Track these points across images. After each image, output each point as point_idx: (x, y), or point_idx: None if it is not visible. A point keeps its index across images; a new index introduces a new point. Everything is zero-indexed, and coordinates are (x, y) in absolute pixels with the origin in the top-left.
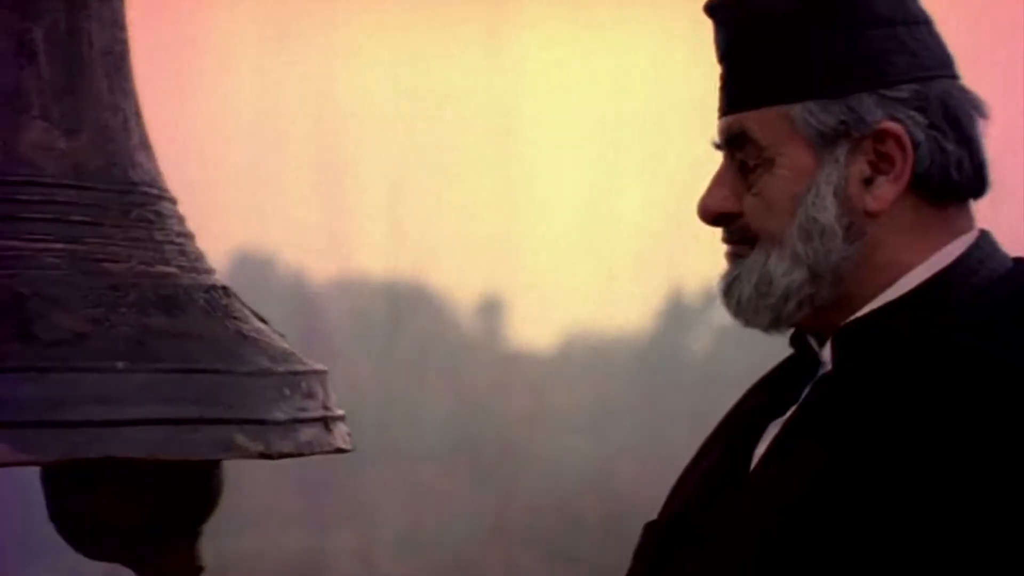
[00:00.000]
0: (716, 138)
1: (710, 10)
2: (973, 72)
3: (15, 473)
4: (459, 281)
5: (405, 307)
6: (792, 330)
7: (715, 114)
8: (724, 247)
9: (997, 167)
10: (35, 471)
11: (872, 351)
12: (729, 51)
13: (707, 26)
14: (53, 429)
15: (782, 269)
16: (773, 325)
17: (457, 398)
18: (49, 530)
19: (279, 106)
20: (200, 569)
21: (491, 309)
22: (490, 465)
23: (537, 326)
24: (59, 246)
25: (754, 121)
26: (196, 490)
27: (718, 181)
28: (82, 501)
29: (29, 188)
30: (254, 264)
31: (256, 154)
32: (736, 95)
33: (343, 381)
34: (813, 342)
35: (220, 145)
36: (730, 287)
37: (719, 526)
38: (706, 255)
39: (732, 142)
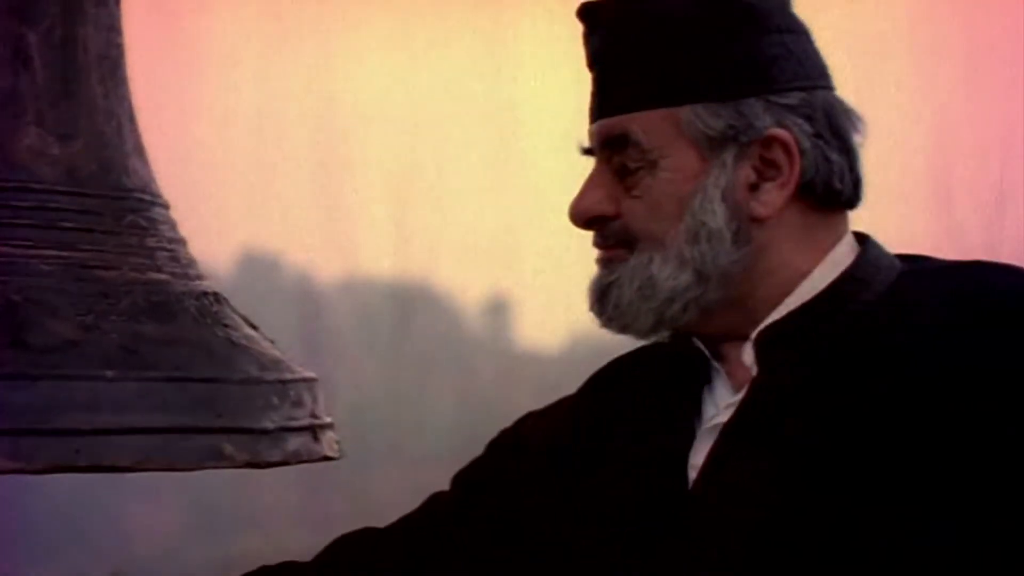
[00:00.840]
0: (585, 143)
1: (586, 13)
2: (973, 72)
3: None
4: (465, 282)
5: (411, 308)
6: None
7: None
8: (595, 252)
9: (1001, 170)
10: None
11: (799, 354)
12: (608, 54)
13: None
14: (43, 437)
15: (667, 272)
16: (653, 329)
17: (464, 398)
18: (55, 530)
19: (280, 107)
20: None
21: (498, 310)
22: None
23: (544, 327)
24: (51, 253)
25: (638, 123)
26: None
27: (593, 183)
28: None
29: (22, 194)
30: (259, 266)
31: (259, 156)
32: (618, 98)
33: (349, 382)
34: (701, 346)
35: (223, 147)
36: (606, 291)
37: (679, 549)
38: None
39: (610, 144)
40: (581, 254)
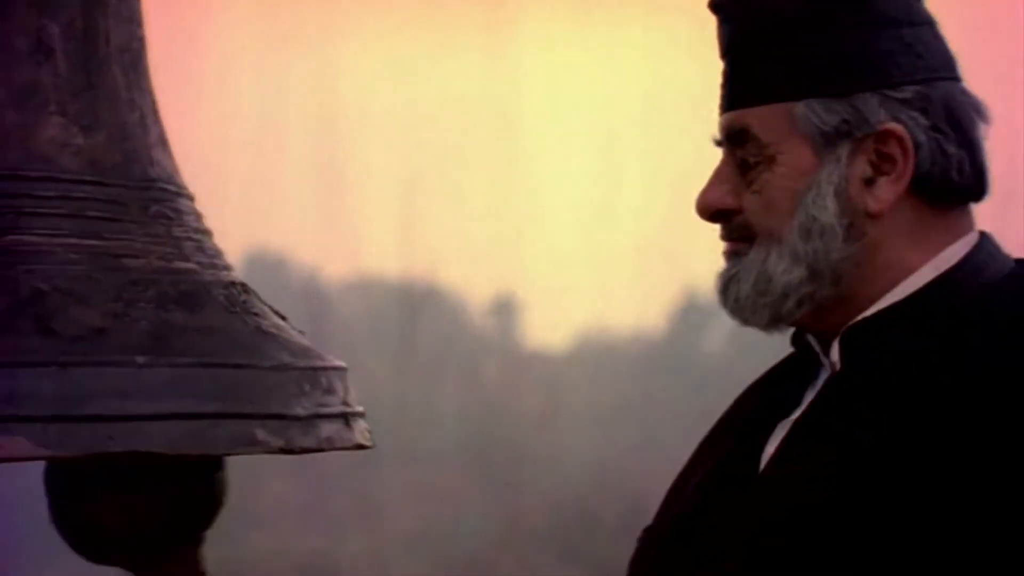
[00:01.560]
0: (717, 135)
1: (715, 6)
2: (973, 72)
3: (29, 475)
4: (472, 281)
5: (419, 308)
6: (791, 330)
7: (715, 112)
8: (722, 244)
9: (1005, 170)
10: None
11: (882, 352)
12: (733, 47)
13: (708, 26)
14: (74, 424)
15: (782, 267)
16: (772, 323)
17: (471, 398)
18: None
19: (283, 107)
20: (203, 575)
21: (505, 309)
22: (503, 465)
23: (551, 326)
24: (77, 242)
25: (756, 118)
26: (198, 495)
27: (718, 177)
28: (84, 505)
29: (47, 184)
30: (268, 265)
31: (264, 156)
32: (738, 92)
33: (357, 381)
34: (814, 342)
35: (228, 147)
36: (727, 285)
37: (727, 529)
38: (718, 255)
39: (733, 139)
40: (586, 254)
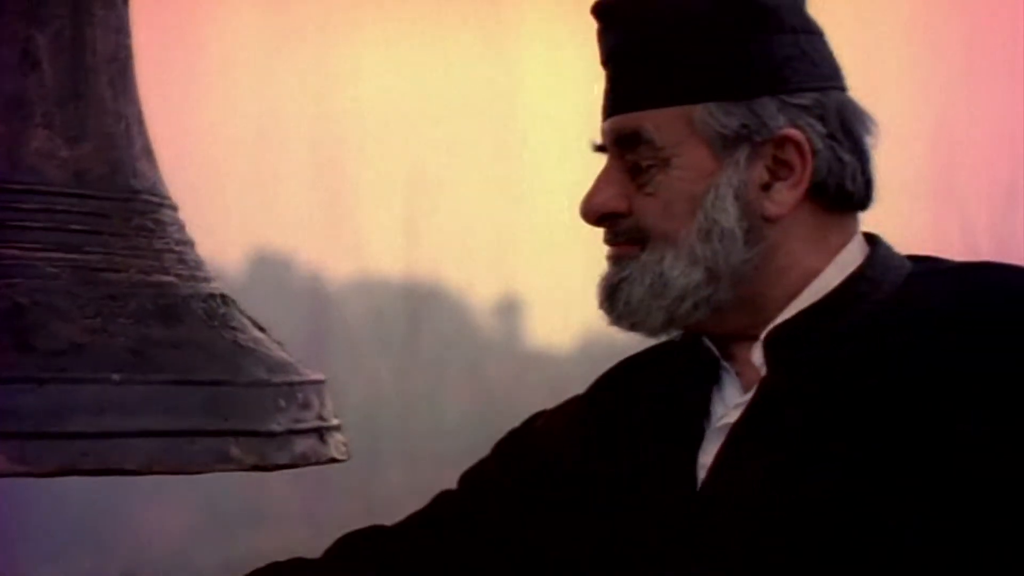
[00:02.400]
0: (597, 140)
1: (601, 10)
2: (974, 70)
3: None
4: (477, 281)
5: (421, 308)
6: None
7: None
8: (606, 249)
9: (1009, 169)
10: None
11: (810, 355)
12: (622, 51)
13: None
14: (50, 440)
15: (679, 269)
16: (664, 327)
17: (476, 398)
18: (64, 530)
19: (286, 108)
20: None
21: (510, 309)
22: None
23: (556, 326)
24: (59, 255)
25: (651, 121)
26: None
27: (605, 180)
28: None
29: (30, 196)
30: (270, 266)
31: (267, 156)
32: (630, 95)
33: (359, 383)
34: (711, 346)
35: (232, 148)
36: (616, 288)
37: (689, 548)
38: None
39: (622, 142)
40: (591, 253)
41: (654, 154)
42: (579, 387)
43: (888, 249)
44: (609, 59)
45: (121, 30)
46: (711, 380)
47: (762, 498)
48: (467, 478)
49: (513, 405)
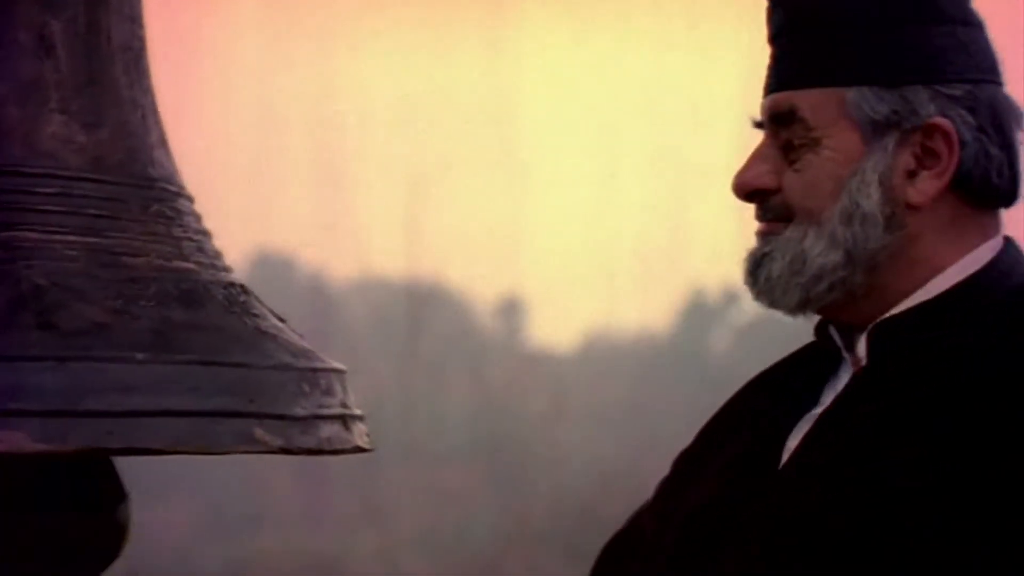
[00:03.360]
0: (757, 116)
1: None
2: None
3: None
4: (478, 282)
5: (424, 307)
6: (816, 320)
7: (718, 111)
8: (756, 224)
9: None
10: None
11: (909, 351)
12: (786, 30)
13: (708, 26)
14: (74, 418)
15: (819, 249)
16: (800, 306)
17: (477, 398)
18: None
19: (286, 108)
20: None
21: (511, 309)
22: (511, 465)
23: (557, 325)
24: (77, 239)
25: (805, 100)
26: (101, 529)
27: (758, 157)
28: None
29: (48, 180)
30: (272, 266)
31: (269, 157)
32: (789, 73)
33: (363, 381)
34: (836, 335)
35: (233, 148)
36: (759, 263)
37: (751, 524)
38: (726, 254)
39: (778, 119)
40: (591, 254)
41: (806, 133)
42: (580, 386)
43: (1017, 253)
44: (774, 38)
45: (135, 20)
46: (831, 369)
47: (828, 484)
48: (633, 518)
49: (514, 404)
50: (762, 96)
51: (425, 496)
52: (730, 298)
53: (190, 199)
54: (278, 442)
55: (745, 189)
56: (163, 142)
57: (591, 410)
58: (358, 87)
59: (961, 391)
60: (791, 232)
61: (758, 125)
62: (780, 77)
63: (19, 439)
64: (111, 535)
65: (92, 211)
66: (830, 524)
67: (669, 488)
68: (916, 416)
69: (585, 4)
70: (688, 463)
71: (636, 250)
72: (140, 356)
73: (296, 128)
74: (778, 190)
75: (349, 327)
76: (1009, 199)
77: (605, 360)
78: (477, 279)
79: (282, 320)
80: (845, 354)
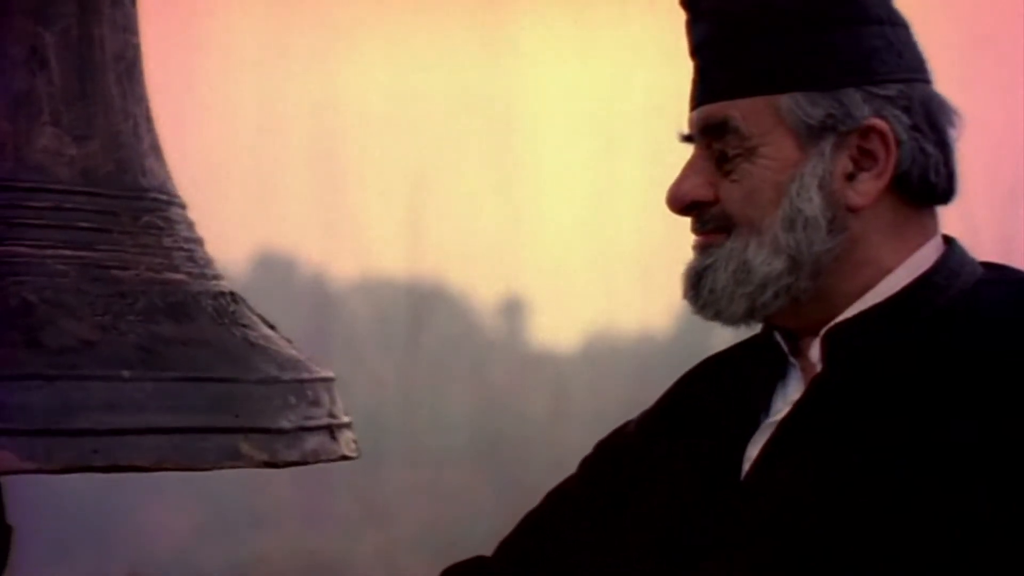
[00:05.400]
0: (684, 130)
1: (690, 2)
2: (976, 75)
3: (31, 477)
4: (479, 282)
5: (426, 308)
6: (754, 328)
7: None
8: (693, 238)
9: (1014, 167)
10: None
11: (865, 355)
12: (710, 42)
13: None
14: (60, 437)
15: (762, 257)
16: (746, 316)
17: (479, 398)
18: (71, 530)
19: (286, 109)
20: None
21: (513, 309)
22: (512, 465)
23: (559, 326)
24: (68, 253)
25: (738, 110)
26: None
27: (692, 169)
28: None
29: (39, 194)
30: (273, 267)
31: (269, 158)
32: (718, 85)
33: (364, 382)
34: (781, 340)
35: (234, 150)
36: (701, 276)
37: (720, 537)
38: None
39: (710, 131)
40: (592, 255)
41: (741, 143)
42: (581, 387)
43: (962, 253)
44: (697, 50)
45: (128, 28)
46: (778, 375)
47: (793, 495)
48: (550, 495)
49: (515, 405)
50: (689, 109)
51: (426, 496)
52: None
53: (182, 206)
54: (263, 456)
55: (681, 202)
56: (155, 149)
57: (592, 410)
58: (359, 87)
59: (921, 393)
60: (732, 242)
61: (686, 139)
62: (710, 88)
63: (4, 458)
64: None
65: (83, 224)
66: (799, 533)
67: (603, 475)
68: (877, 420)
69: (586, 5)
70: (628, 453)
71: (638, 250)
72: (126, 374)
73: (297, 128)
74: (715, 201)
75: (350, 327)
76: (946, 197)
77: (606, 360)
78: (478, 279)
79: (272, 327)
80: (792, 360)
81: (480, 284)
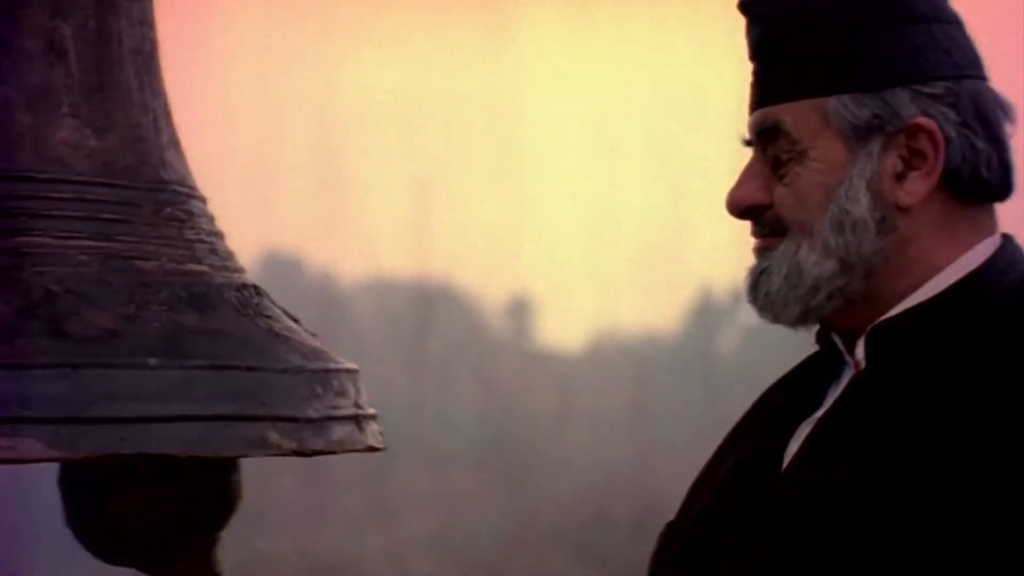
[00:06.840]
0: (746, 134)
1: (744, 6)
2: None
3: (47, 473)
4: (486, 283)
5: (433, 308)
6: (817, 328)
7: (719, 110)
8: (753, 241)
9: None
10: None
11: (907, 352)
12: (763, 46)
13: (709, 27)
14: (85, 425)
15: (812, 259)
16: (802, 318)
17: (486, 399)
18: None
19: (291, 109)
20: (217, 575)
21: (519, 309)
22: (519, 466)
23: (566, 326)
24: (90, 244)
25: (788, 114)
26: (213, 496)
27: (749, 174)
28: (98, 505)
29: (60, 186)
30: (281, 267)
31: (276, 158)
32: (770, 89)
33: (372, 382)
34: (838, 340)
35: (239, 150)
36: (758, 281)
37: (752, 527)
38: (732, 255)
39: (764, 135)
40: (598, 255)
41: (792, 147)
42: (588, 387)
43: (1015, 250)
44: (754, 54)
45: (145, 22)
46: (833, 374)
47: (826, 490)
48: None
49: (521, 405)
50: (748, 113)
51: (434, 497)
52: (737, 299)
53: (203, 200)
54: (291, 445)
55: (739, 207)
56: (175, 144)
57: (598, 411)
58: (365, 87)
59: (960, 390)
60: (785, 246)
61: (747, 143)
62: (762, 93)
63: (30, 446)
64: (222, 503)
65: (104, 216)
66: (831, 526)
67: (688, 496)
68: (914, 417)
69: (586, 5)
70: (707, 470)
71: (643, 251)
72: (151, 362)
73: (304, 128)
74: (771, 205)
75: (357, 327)
76: (1002, 192)
77: (612, 361)
78: (485, 280)
79: (295, 320)
80: (847, 358)
81: (487, 285)
